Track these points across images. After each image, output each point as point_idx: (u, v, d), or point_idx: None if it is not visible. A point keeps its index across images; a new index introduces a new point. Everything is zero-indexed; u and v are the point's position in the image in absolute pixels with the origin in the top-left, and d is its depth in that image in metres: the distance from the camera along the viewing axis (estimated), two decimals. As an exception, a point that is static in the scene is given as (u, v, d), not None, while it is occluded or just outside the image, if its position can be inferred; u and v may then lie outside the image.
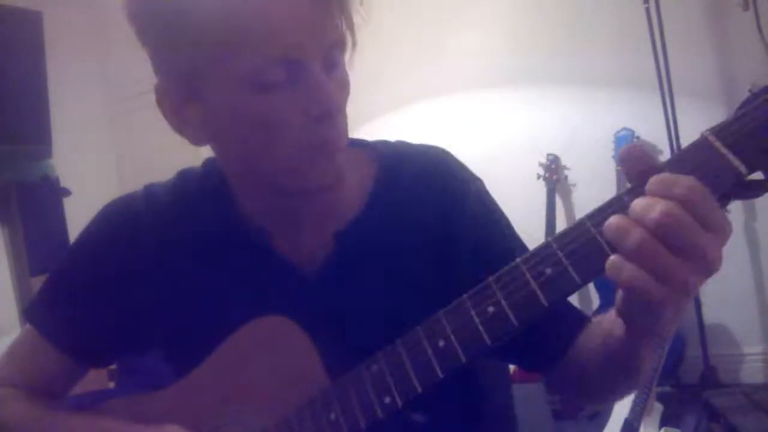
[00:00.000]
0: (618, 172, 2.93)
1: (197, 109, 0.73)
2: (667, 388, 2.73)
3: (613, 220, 0.55)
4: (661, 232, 0.52)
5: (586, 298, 3.01)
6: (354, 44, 0.74)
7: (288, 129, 0.69)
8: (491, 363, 0.95)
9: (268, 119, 0.69)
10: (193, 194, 0.86)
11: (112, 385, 2.21)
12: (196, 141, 0.76)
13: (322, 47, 0.68)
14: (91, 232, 0.88)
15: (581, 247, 0.58)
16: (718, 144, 0.55)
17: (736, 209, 2.82)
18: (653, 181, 0.54)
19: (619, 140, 2.95)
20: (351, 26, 0.72)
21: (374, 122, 3.24)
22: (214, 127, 0.74)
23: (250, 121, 0.70)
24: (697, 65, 2.91)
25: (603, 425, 2.18)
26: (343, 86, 0.73)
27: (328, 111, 0.69)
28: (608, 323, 0.70)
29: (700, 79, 2.92)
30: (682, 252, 0.52)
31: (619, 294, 0.57)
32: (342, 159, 0.73)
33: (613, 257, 0.54)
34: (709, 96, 2.92)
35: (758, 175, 0.55)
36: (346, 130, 0.73)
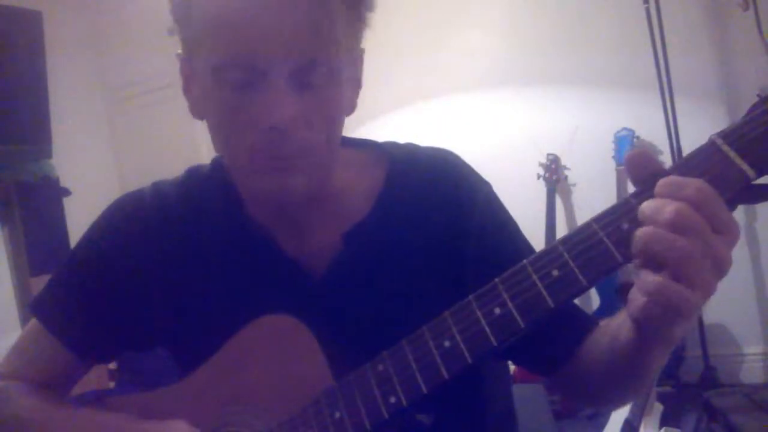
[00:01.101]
0: (618, 172, 2.93)
1: (196, 87, 0.77)
2: (667, 388, 2.73)
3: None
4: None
5: (586, 298, 3.01)
6: (338, 70, 0.71)
7: (239, 130, 0.71)
8: (493, 363, 0.95)
9: (225, 115, 0.72)
10: (201, 193, 0.87)
11: (112, 385, 2.21)
12: (192, 113, 0.80)
13: (291, 60, 0.67)
14: (99, 229, 0.88)
15: (588, 250, 0.58)
16: (726, 148, 0.55)
17: (736, 210, 2.81)
18: (663, 183, 0.54)
19: (619, 140, 2.96)
20: (336, 48, 0.70)
21: (374, 122, 3.24)
22: (201, 106, 0.77)
23: (213, 112, 0.74)
24: (697, 65, 2.92)
25: (603, 425, 2.18)
26: (319, 111, 0.71)
27: (274, 126, 0.68)
28: (615, 328, 0.69)
29: (700, 79, 2.93)
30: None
31: (637, 302, 0.57)
32: (301, 181, 0.72)
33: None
34: (709, 96, 2.92)
35: (766, 179, 0.56)
36: (303, 150, 0.71)
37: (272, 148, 0.70)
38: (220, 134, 0.75)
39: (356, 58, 0.78)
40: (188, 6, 0.71)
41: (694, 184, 0.53)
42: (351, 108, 0.79)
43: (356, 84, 0.80)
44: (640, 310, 0.57)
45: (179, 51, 0.78)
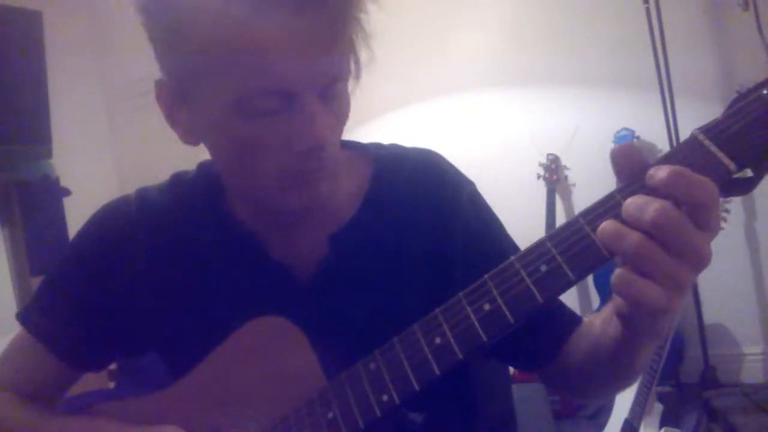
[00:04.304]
0: (618, 172, 2.93)
1: (187, 113, 0.73)
2: (667, 388, 2.73)
3: (609, 225, 0.55)
4: (658, 232, 0.52)
5: (586, 298, 3.01)
6: (358, 76, 0.72)
7: (269, 155, 0.68)
8: (488, 362, 0.95)
9: (250, 143, 0.68)
10: (186, 198, 0.86)
11: (112, 385, 2.21)
12: (186, 140, 0.76)
13: (321, 81, 0.67)
14: (84, 236, 0.88)
15: (575, 245, 0.58)
16: (707, 142, 0.56)
17: (736, 210, 2.82)
18: (673, 177, 0.53)
19: (619, 140, 2.95)
20: (357, 60, 0.70)
21: (374, 122, 3.24)
22: (200, 133, 0.74)
23: (231, 141, 0.70)
24: (697, 65, 2.91)
25: (603, 425, 2.19)
26: (341, 117, 0.72)
27: (315, 147, 0.68)
28: (601, 324, 0.70)
29: (700, 79, 2.92)
30: (678, 252, 0.53)
31: (620, 301, 0.58)
32: (327, 185, 0.72)
33: (620, 271, 0.55)
34: (709, 96, 2.91)
35: (748, 173, 0.56)
36: (333, 159, 0.72)
37: (310, 164, 0.69)
38: (236, 160, 0.71)
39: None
40: (196, 43, 0.64)
41: (705, 186, 0.52)
42: None
43: None
44: (623, 307, 0.58)
45: (158, 77, 0.73)
